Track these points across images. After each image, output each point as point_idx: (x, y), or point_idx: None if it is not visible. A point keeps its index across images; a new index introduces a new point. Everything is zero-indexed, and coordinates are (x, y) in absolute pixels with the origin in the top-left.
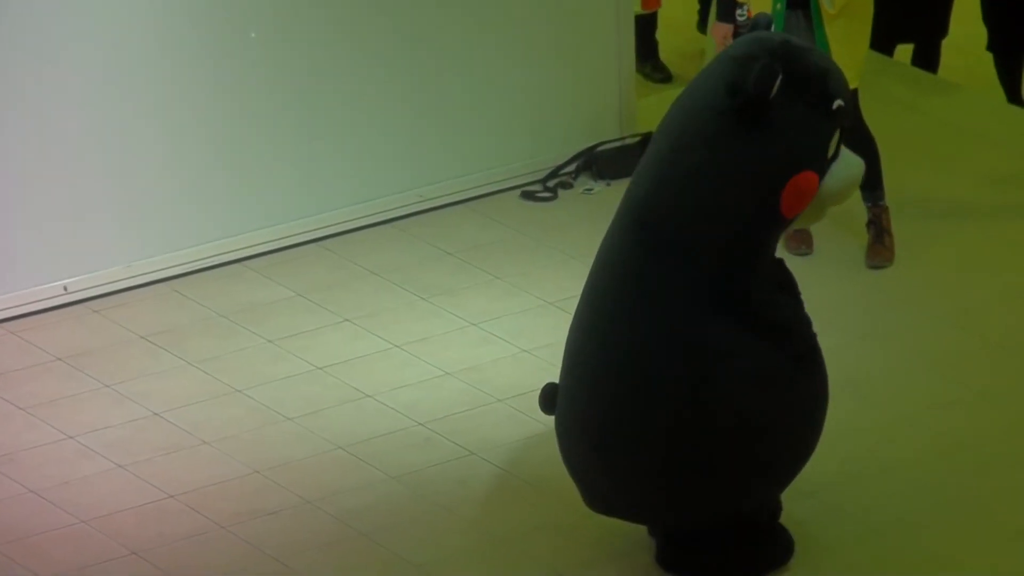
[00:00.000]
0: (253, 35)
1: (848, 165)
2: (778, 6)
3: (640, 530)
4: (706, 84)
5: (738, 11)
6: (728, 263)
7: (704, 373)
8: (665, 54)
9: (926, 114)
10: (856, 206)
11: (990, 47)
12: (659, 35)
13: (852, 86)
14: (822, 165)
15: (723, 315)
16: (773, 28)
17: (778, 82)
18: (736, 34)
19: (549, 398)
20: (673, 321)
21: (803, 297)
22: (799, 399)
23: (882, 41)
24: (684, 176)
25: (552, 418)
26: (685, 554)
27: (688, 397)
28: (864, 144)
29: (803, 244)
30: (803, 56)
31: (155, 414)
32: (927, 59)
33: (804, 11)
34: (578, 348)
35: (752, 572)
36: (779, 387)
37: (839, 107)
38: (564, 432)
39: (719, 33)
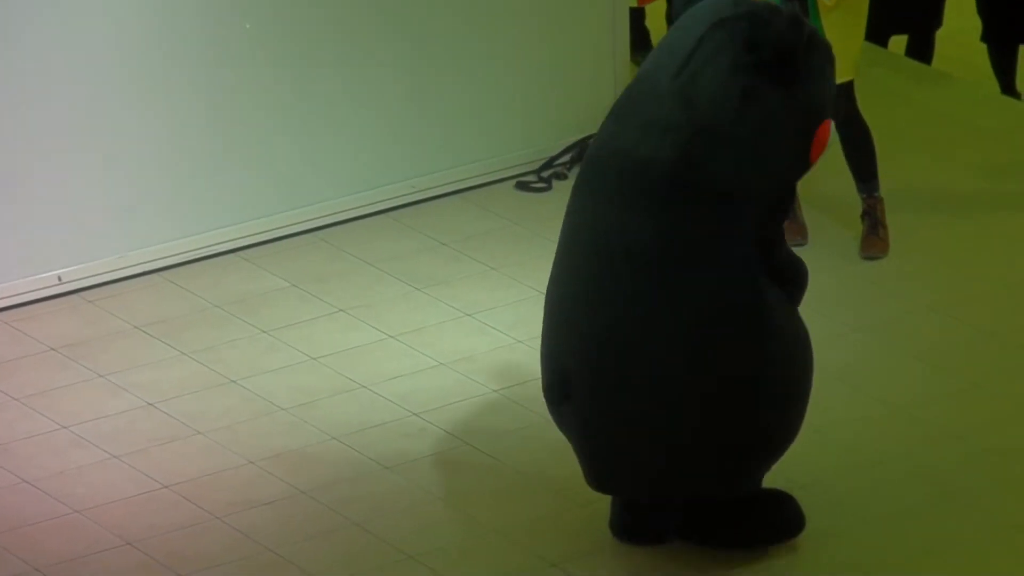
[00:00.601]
0: (247, 26)
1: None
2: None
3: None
4: (700, 49)
5: None
6: (765, 215)
7: (768, 332)
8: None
9: (920, 105)
10: (851, 197)
11: (984, 38)
12: (651, 24)
13: (848, 77)
14: (831, 113)
15: (761, 270)
16: None
17: (805, 32)
18: None
19: (561, 388)
20: (731, 282)
21: None
22: (810, 354)
23: (877, 32)
24: (723, 136)
25: (546, 408)
26: (712, 524)
27: (758, 359)
28: (859, 135)
29: (798, 235)
30: (798, 17)
31: (149, 404)
32: (921, 50)
33: (800, 3)
34: (608, 326)
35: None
36: (807, 344)
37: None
38: (600, 416)
39: None
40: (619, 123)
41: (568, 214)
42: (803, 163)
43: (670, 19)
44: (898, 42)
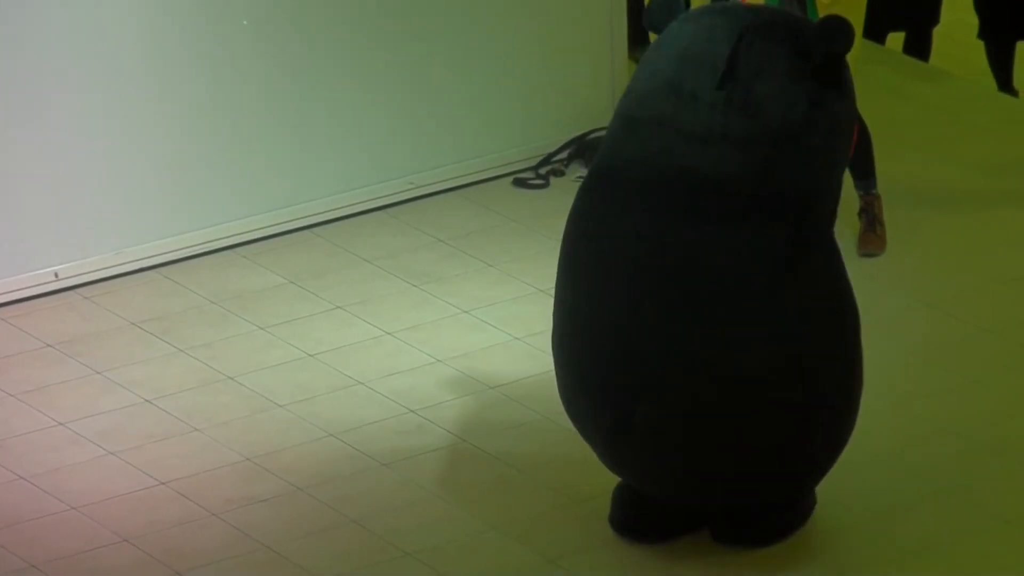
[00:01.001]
0: (245, 22)
1: None
2: None
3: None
4: (752, 54)
5: None
6: (817, 217)
7: (854, 341)
8: None
9: (917, 102)
10: (848, 194)
11: (981, 35)
12: None
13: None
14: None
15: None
16: None
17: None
18: None
19: (626, 423)
20: (818, 295)
21: None
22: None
23: (874, 29)
24: (799, 147)
25: (542, 405)
26: (745, 525)
27: (843, 368)
28: (858, 134)
29: None
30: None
31: (146, 401)
32: (919, 47)
33: (799, 3)
34: (689, 353)
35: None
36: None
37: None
38: (675, 439)
39: None
40: (651, 134)
41: (594, 231)
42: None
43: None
44: (895, 39)
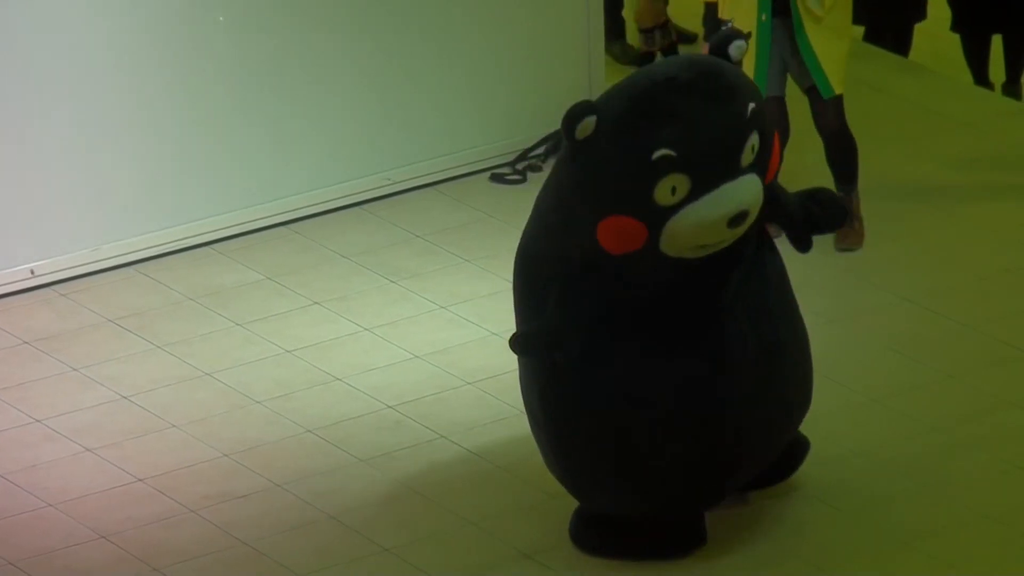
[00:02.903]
0: (221, 19)
1: (703, 209)
2: (763, 17)
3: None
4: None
5: (723, 27)
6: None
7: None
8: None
9: (894, 96)
10: (830, 186)
11: (954, 28)
12: (627, 14)
13: (838, 91)
14: (641, 211)
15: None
16: (745, 44)
17: (581, 126)
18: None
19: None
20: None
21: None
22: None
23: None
24: (544, 191)
25: (519, 400)
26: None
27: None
28: (846, 148)
29: (773, 227)
30: (656, 98)
31: (123, 397)
32: (899, 42)
33: (786, 19)
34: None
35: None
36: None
37: (663, 157)
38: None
39: None
40: None
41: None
42: (596, 252)
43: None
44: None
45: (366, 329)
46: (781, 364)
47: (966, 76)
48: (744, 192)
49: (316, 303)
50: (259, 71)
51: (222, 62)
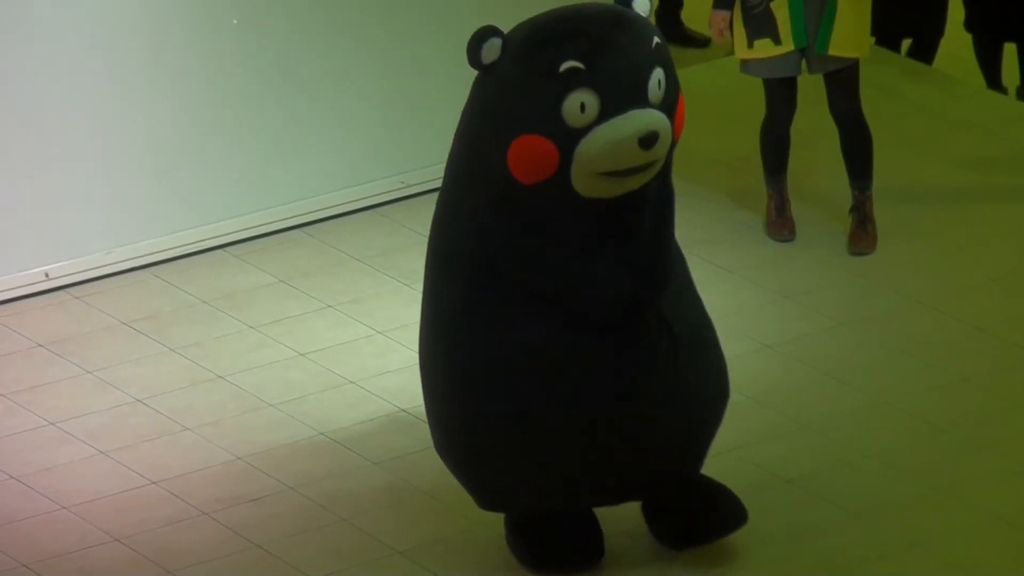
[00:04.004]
0: (235, 21)
1: (610, 130)
2: None
3: (618, 518)
4: None
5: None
6: (486, 225)
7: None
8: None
9: (907, 100)
10: (838, 192)
11: (968, 27)
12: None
13: (863, 54)
14: (550, 128)
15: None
16: (648, 3)
17: (486, 48)
18: (746, 7)
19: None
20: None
21: (783, 282)
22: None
23: (887, 35)
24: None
25: None
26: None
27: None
28: (858, 131)
29: (784, 230)
30: (564, 19)
31: (137, 400)
32: (924, 56)
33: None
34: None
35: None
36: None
37: (570, 68)
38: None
39: (715, 23)
40: None
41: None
42: (509, 182)
43: None
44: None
45: (380, 332)
46: (692, 353)
47: (979, 79)
48: (654, 116)
49: (330, 306)
50: (273, 73)
51: (236, 66)
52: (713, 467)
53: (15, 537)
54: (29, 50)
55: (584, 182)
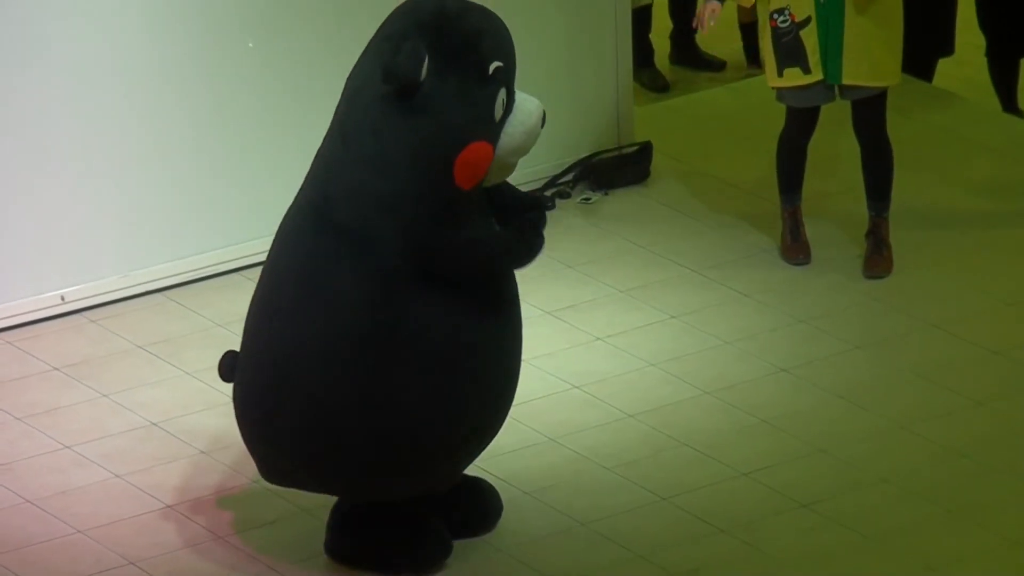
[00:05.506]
0: (251, 45)
1: (523, 117)
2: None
3: (612, 532)
4: (365, 66)
5: (780, 17)
6: (412, 246)
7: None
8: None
9: (922, 124)
10: (854, 215)
11: (988, 53)
12: (655, 39)
13: (888, 83)
14: (489, 131)
15: (414, 294)
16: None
17: (425, 63)
18: (776, 35)
19: (228, 368)
20: (343, 313)
21: (798, 306)
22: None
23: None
24: (355, 165)
25: (550, 428)
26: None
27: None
28: (881, 155)
29: (800, 255)
30: (456, 23)
31: (152, 424)
32: (924, 74)
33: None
34: (253, 329)
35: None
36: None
37: (496, 68)
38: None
39: (706, 11)
40: (330, 126)
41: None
42: (450, 192)
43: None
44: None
45: None
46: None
47: (994, 103)
48: (530, 98)
49: None
50: (288, 98)
51: (252, 90)
52: (727, 490)
53: (31, 560)
54: (45, 78)
55: (496, 174)
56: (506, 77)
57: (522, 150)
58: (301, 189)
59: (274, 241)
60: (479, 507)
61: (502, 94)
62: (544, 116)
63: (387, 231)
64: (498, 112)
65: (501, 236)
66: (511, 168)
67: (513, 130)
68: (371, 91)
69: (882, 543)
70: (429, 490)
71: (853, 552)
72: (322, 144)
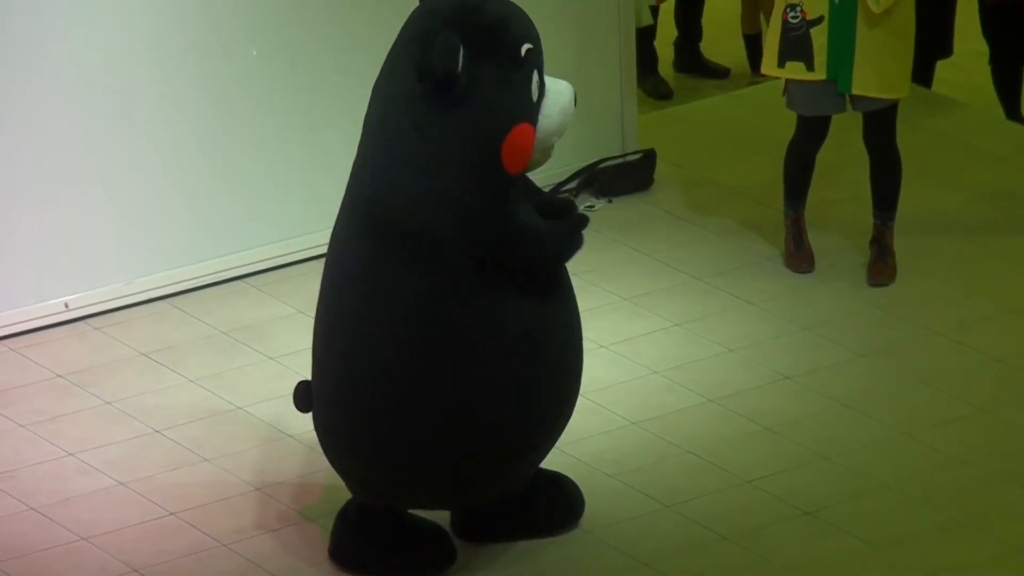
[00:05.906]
0: (255, 52)
1: (557, 97)
2: (836, 0)
3: (609, 535)
4: (394, 72)
5: (792, 12)
6: (475, 237)
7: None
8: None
9: (925, 131)
10: (858, 223)
11: (992, 62)
12: (659, 46)
13: (897, 95)
14: (531, 113)
15: (476, 292)
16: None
17: (461, 53)
18: (786, 29)
19: (304, 396)
20: (411, 316)
21: (802, 313)
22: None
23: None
24: (404, 169)
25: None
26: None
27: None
28: (889, 163)
29: (803, 263)
30: (479, 13)
31: (156, 431)
32: (923, 76)
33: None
34: (325, 353)
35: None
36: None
37: (528, 50)
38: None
39: None
40: (363, 136)
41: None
42: (501, 179)
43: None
44: None
45: None
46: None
47: (997, 110)
48: (559, 80)
49: None
50: (292, 106)
51: (255, 96)
52: (730, 498)
53: (34, 568)
54: (48, 84)
55: (539, 158)
56: (537, 59)
57: (560, 130)
58: (344, 205)
59: (328, 261)
60: (560, 500)
61: (536, 76)
62: (576, 95)
63: (449, 229)
64: (535, 94)
65: (555, 225)
66: (550, 151)
67: (549, 111)
68: (407, 93)
69: (886, 550)
70: (506, 491)
71: (856, 559)
72: (358, 155)
